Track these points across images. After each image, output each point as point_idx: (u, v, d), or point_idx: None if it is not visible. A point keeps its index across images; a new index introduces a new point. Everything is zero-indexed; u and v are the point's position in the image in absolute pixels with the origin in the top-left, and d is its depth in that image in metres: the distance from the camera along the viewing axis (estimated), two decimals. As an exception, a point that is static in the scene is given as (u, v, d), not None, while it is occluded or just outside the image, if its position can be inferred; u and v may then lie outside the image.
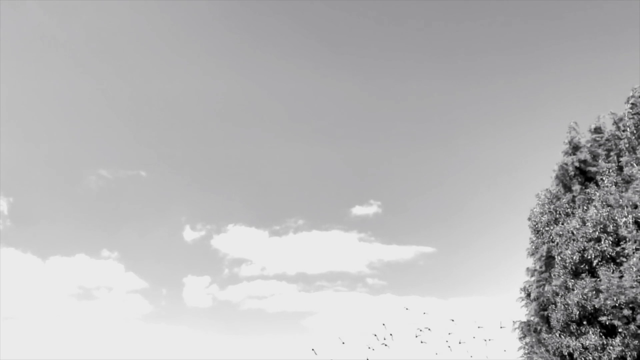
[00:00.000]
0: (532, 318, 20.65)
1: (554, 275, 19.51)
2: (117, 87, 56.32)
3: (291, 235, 49.09)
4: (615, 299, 17.11)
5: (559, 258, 19.35)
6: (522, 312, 21.50)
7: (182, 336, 44.97)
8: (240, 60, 56.98)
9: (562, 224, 20.09)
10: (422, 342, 21.40)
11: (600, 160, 20.51)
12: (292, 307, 46.83)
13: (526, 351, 20.63)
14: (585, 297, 17.91)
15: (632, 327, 17.13)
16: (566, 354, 18.40)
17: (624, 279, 17.23)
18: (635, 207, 18.01)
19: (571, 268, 18.97)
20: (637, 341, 16.99)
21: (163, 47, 56.87)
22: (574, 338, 18.30)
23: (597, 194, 19.41)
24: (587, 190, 20.28)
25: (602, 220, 18.51)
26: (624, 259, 17.91)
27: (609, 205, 18.82)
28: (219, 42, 57.38)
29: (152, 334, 44.81)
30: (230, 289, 47.32)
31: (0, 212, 46.42)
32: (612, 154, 20.49)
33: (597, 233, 18.55)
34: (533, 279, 20.94)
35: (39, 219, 51.11)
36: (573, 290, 18.44)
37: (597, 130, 21.34)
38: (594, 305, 17.75)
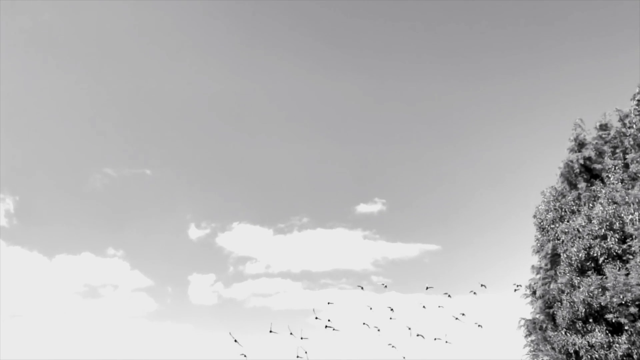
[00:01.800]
0: (537, 316, 20.59)
1: (560, 272, 19.45)
2: (122, 86, 56.48)
3: (296, 233, 49.14)
4: (621, 297, 17.06)
5: (565, 256, 19.28)
6: (528, 310, 21.48)
7: (187, 334, 45.10)
8: (247, 60, 57.04)
9: (568, 221, 20.02)
10: (377, 328, 21.18)
11: (605, 158, 20.42)
12: (297, 304, 46.84)
13: (532, 349, 20.58)
14: (591, 294, 17.85)
15: (639, 324, 17.07)
16: (572, 351, 18.34)
17: (630, 276, 17.17)
18: (642, 204, 17.94)
19: (577, 266, 18.90)
20: (643, 339, 16.95)
21: (168, 47, 56.96)
22: (579, 336, 18.25)
23: (603, 191, 19.33)
24: (593, 187, 20.20)
25: (608, 217, 18.44)
26: (630, 257, 17.84)
27: (615, 203, 18.73)
28: (225, 42, 57.43)
29: (157, 332, 44.97)
30: (235, 286, 47.42)
31: (6, 211, 46.67)
32: (617, 151, 20.40)
33: (603, 230, 18.48)
34: (538, 276, 20.87)
35: (45, 217, 51.35)
36: (579, 287, 18.38)
37: (603, 127, 21.24)
38: (600, 303, 17.69)
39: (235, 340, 19.03)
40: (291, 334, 19.39)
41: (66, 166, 53.96)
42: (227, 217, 52.59)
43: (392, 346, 20.69)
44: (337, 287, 47.48)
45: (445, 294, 21.03)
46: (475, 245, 50.56)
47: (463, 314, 21.10)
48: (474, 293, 21.16)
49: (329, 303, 21.56)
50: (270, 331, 19.59)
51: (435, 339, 20.96)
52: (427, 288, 21.42)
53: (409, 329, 20.96)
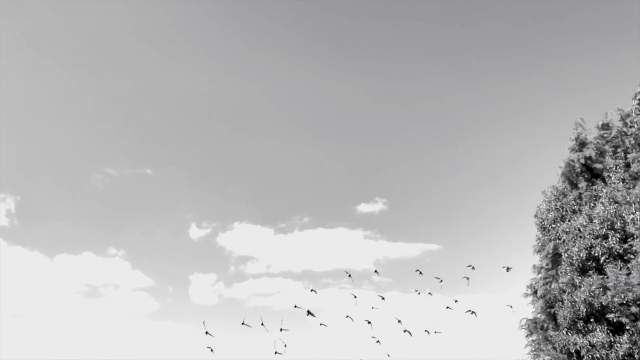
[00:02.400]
0: (538, 315, 20.58)
1: (561, 272, 19.43)
2: (123, 86, 56.50)
3: (297, 232, 49.09)
4: (622, 296, 17.04)
5: (566, 255, 19.27)
6: (529, 310, 21.47)
7: (189, 334, 45.11)
8: (247, 61, 57.02)
9: (569, 221, 20.00)
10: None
11: (607, 157, 20.41)
12: (298, 304, 46.76)
13: (533, 349, 20.57)
14: (592, 294, 17.84)
15: (640, 324, 17.07)
16: (573, 351, 18.33)
17: (631, 276, 17.15)
18: (643, 203, 17.92)
19: (578, 265, 18.89)
20: (644, 338, 16.94)
21: (168, 46, 56.98)
22: (581, 335, 18.24)
23: (604, 190, 19.31)
24: (594, 187, 20.18)
25: (609, 217, 18.42)
26: (632, 256, 17.82)
27: (616, 202, 18.72)
28: (226, 42, 57.43)
29: (158, 332, 44.99)
30: (236, 286, 47.37)
31: (7, 211, 46.66)
32: (619, 150, 20.38)
33: (604, 230, 18.46)
34: (540, 276, 20.86)
35: (46, 217, 51.33)
36: (580, 287, 18.37)
37: (605, 126, 21.21)
38: (601, 303, 17.67)
39: (207, 333, 18.79)
40: (262, 324, 19.08)
41: (67, 166, 53.99)
42: (228, 216, 52.61)
43: (377, 341, 20.34)
44: (338, 286, 47.43)
45: (437, 278, 20.56)
46: (476, 245, 50.49)
47: (456, 301, 20.72)
48: (467, 278, 20.77)
49: (312, 290, 21.25)
50: (243, 323, 19.37)
51: (426, 330, 20.61)
52: (420, 273, 21.00)
53: (399, 321, 20.57)
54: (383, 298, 21.10)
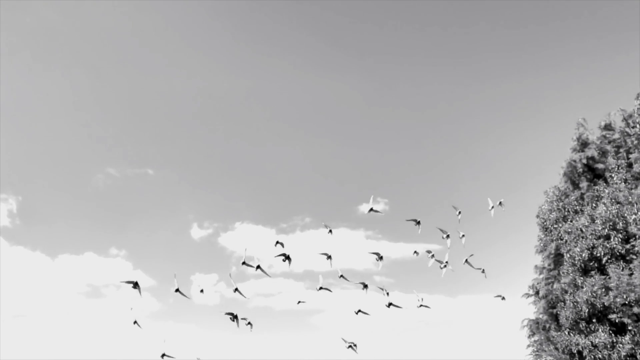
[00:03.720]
0: (540, 316, 20.57)
1: (563, 272, 19.41)
2: (125, 86, 56.50)
3: (298, 233, 49.13)
4: (624, 297, 17.02)
5: (568, 256, 19.25)
6: (531, 310, 21.45)
7: (190, 334, 45.15)
8: (249, 61, 57.03)
9: (571, 221, 19.98)
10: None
11: (609, 157, 20.38)
12: (300, 305, 46.78)
13: (535, 349, 20.56)
14: (594, 294, 17.81)
15: (642, 324, 17.04)
16: (575, 352, 18.31)
17: (633, 276, 17.13)
18: (645, 204, 17.89)
19: (580, 266, 18.87)
20: (647, 339, 16.91)
21: (169, 46, 57.00)
22: (583, 336, 18.21)
23: (606, 191, 19.29)
24: (596, 187, 20.15)
25: (611, 217, 18.39)
26: (634, 257, 17.79)
27: (618, 203, 18.69)
28: (228, 43, 57.45)
29: (160, 332, 44.97)
30: (238, 286, 47.39)
31: (9, 211, 46.65)
32: (621, 150, 20.35)
33: (606, 230, 18.44)
34: (542, 276, 20.85)
35: (48, 217, 51.30)
36: (582, 287, 18.35)
37: (608, 127, 21.18)
38: (603, 303, 17.65)
39: (139, 292, 17.40)
40: (235, 289, 17.88)
41: (69, 166, 53.91)
42: (230, 217, 52.53)
43: (359, 311, 19.23)
44: (339, 287, 47.41)
45: (440, 229, 19.02)
46: (477, 245, 50.37)
47: (446, 265, 19.67)
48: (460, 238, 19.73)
49: (277, 243, 19.75)
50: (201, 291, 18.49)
51: (419, 304, 19.84)
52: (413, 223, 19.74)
53: (387, 294, 19.85)
54: (372, 210, 19.67)
